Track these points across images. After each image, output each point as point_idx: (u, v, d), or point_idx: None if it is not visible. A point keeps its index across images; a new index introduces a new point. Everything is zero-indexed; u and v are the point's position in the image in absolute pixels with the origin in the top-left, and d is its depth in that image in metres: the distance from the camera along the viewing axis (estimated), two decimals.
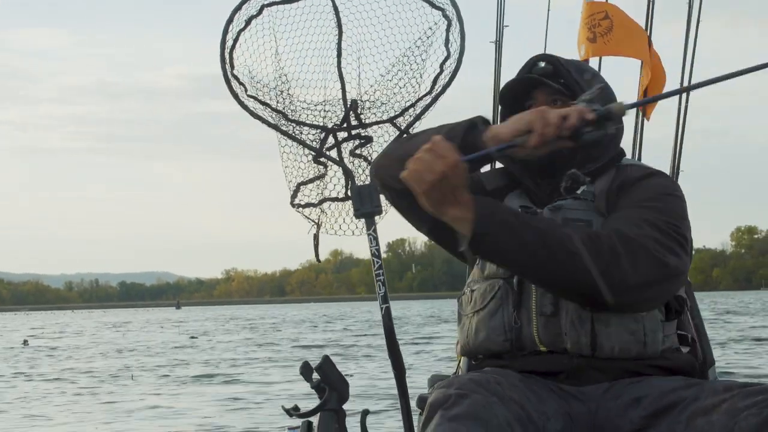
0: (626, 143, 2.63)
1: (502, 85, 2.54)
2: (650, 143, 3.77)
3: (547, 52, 2.49)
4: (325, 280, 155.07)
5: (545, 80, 2.34)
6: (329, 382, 2.52)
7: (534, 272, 2.09)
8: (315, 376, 2.54)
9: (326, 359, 2.54)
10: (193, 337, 29.39)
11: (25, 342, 29.45)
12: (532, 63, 2.42)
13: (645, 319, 2.18)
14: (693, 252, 2.29)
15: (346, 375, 2.62)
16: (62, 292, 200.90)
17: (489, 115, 2.28)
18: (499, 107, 2.46)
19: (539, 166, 2.31)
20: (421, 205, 2.07)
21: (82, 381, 14.87)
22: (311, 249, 3.08)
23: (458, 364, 2.59)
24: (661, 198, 2.21)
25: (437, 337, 23.76)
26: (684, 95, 3.68)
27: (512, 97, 2.41)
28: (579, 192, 2.27)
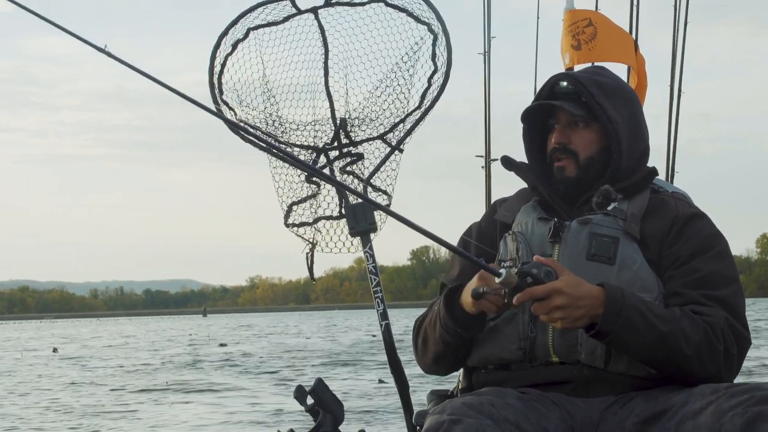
0: None
1: (491, 94, 2.54)
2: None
3: (538, 60, 2.48)
4: (349, 288, 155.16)
5: (564, 106, 2.33)
6: (323, 405, 2.53)
7: (647, 363, 2.15)
8: (309, 399, 2.55)
9: (319, 382, 2.55)
10: (222, 345, 29.51)
11: (55, 350, 29.61)
12: (554, 81, 2.39)
13: None
14: None
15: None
16: (87, 300, 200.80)
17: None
18: (523, 125, 2.45)
19: (567, 187, 2.34)
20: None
21: (115, 389, 14.98)
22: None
23: (459, 378, 2.59)
24: (729, 256, 2.30)
25: None
26: (675, 97, 3.70)
27: (536, 114, 2.41)
28: (610, 208, 2.28)
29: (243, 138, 2.99)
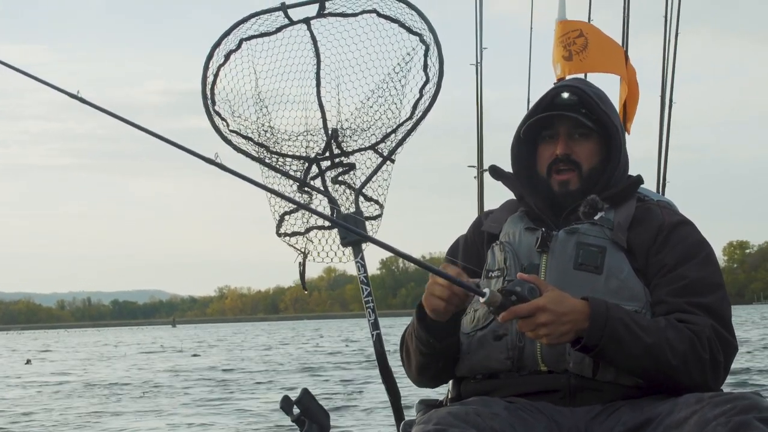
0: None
1: (483, 104, 2.54)
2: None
3: (531, 70, 2.48)
4: (319, 298, 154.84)
5: (579, 117, 2.32)
6: (309, 415, 2.54)
7: (634, 373, 2.17)
8: (296, 409, 2.55)
9: (305, 392, 2.57)
10: (195, 355, 29.31)
11: (28, 362, 29.24)
12: (555, 93, 2.37)
13: None
14: None
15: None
16: (54, 311, 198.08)
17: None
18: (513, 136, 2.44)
19: (572, 200, 2.34)
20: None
21: (93, 398, 14.82)
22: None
23: (449, 388, 2.60)
24: (714, 262, 2.31)
25: None
26: (667, 107, 3.73)
27: (530, 126, 2.38)
28: (596, 218, 2.29)
29: (235, 149, 2.99)
